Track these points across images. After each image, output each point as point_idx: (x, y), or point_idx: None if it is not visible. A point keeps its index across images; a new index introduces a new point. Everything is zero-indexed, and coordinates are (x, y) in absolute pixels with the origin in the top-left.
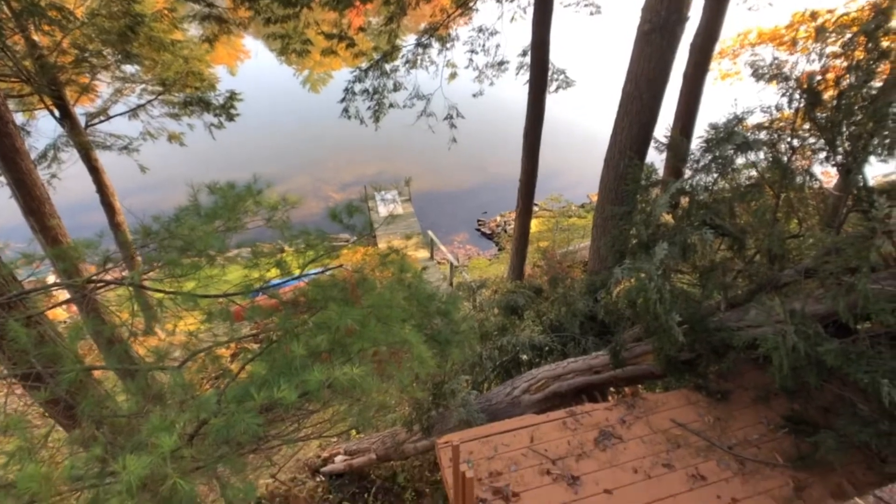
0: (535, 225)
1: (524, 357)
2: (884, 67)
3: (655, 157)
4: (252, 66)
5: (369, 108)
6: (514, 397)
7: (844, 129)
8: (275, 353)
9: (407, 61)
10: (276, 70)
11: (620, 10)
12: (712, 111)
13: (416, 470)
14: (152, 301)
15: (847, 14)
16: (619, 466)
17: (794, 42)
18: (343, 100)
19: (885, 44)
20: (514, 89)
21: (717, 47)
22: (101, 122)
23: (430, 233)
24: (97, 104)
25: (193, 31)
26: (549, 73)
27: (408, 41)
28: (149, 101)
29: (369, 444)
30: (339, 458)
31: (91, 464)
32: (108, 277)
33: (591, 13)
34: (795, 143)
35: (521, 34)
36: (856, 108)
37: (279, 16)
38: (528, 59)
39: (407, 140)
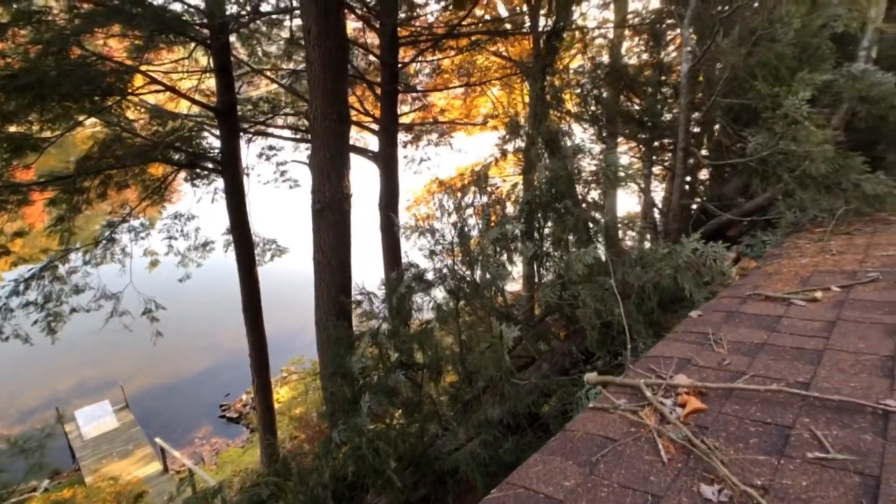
0: (286, 392)
1: None
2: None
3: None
4: None
5: (37, 322)
6: None
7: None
8: None
9: (86, 262)
10: None
11: None
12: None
13: None
14: None
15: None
16: None
17: (462, 189)
18: None
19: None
20: (229, 263)
21: (411, 198)
22: None
23: (158, 440)
24: None
25: None
26: (258, 246)
27: (97, 232)
28: None
29: None
30: None
31: None
32: None
33: (291, 187)
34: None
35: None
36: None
37: None
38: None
39: (116, 335)
